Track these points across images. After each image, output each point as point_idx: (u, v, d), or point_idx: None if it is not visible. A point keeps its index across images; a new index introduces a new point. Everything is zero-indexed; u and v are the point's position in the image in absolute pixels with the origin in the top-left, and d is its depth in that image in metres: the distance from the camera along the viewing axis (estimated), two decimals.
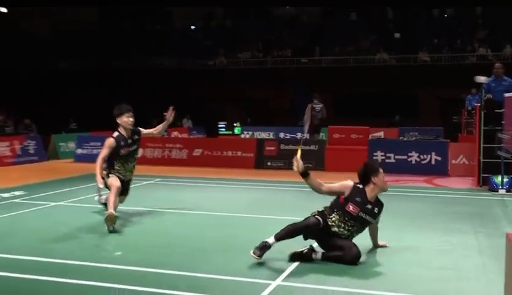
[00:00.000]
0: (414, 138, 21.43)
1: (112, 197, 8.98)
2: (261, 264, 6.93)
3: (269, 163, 18.64)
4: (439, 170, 16.87)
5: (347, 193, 7.21)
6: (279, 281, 6.36)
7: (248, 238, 8.14)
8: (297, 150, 7.45)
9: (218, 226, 9.46)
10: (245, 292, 6.07)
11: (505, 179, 13.36)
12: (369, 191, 7.26)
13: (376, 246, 7.78)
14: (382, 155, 17.55)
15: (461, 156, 16.81)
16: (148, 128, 10.35)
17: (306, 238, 7.19)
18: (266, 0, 41.14)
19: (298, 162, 7.20)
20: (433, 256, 7.53)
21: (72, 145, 22.02)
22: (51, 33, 42.51)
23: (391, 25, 39.12)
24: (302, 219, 7.12)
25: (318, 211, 7.22)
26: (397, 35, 37.95)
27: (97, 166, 9.02)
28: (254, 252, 6.97)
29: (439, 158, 17.15)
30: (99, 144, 17.86)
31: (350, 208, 7.14)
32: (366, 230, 7.52)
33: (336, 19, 41.17)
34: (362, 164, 7.60)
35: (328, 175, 14.88)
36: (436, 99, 32.85)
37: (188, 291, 5.99)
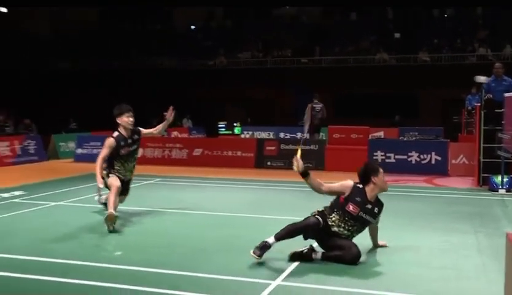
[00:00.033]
0: (414, 138, 21.45)
1: (112, 197, 8.99)
2: (261, 264, 6.94)
3: (269, 163, 18.65)
4: (439, 170, 16.88)
5: (347, 193, 7.22)
6: (279, 280, 6.36)
7: (248, 237, 8.14)
8: (297, 150, 7.45)
9: (219, 226, 9.46)
10: (245, 292, 6.08)
11: (505, 179, 13.37)
12: (369, 191, 7.26)
13: (376, 245, 7.78)
14: (382, 155, 17.56)
15: (462, 156, 16.82)
16: (148, 128, 10.36)
17: (305, 238, 7.19)
18: (266, 0, 41.15)
19: (298, 162, 7.20)
20: (433, 256, 7.54)
21: (72, 145, 22.04)
22: (52, 33, 42.55)
23: (392, 25, 39.16)
24: (302, 218, 7.13)
25: (318, 211, 7.23)
26: (397, 35, 37.99)
27: (97, 166, 9.02)
28: (254, 252, 6.97)
29: (439, 158, 17.16)
30: (99, 143, 17.88)
31: (350, 207, 7.15)
32: (366, 230, 7.52)
33: (336, 19, 41.22)
34: (362, 164, 7.61)
35: (328, 175, 14.91)
36: (436, 99, 32.84)
37: (188, 291, 5.99)
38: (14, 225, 9.50)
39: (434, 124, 27.55)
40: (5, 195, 12.39)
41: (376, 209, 7.35)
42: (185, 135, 29.48)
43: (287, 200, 12.45)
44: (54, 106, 35.16)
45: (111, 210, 8.75)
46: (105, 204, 9.48)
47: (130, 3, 40.71)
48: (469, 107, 20.58)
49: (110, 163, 9.44)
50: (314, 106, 23.26)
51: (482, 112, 14.34)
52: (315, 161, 17.71)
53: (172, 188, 14.08)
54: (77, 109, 34.21)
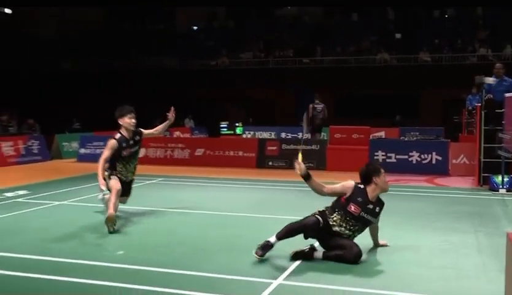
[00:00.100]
0: (414, 138, 21.51)
1: (112, 199, 8.99)
2: (262, 263, 6.96)
3: (270, 163, 18.69)
4: (440, 170, 16.92)
5: (348, 193, 7.24)
6: (280, 280, 6.38)
7: (250, 237, 8.20)
8: (298, 153, 7.45)
9: (220, 225, 9.48)
10: (247, 291, 6.08)
11: (505, 179, 13.39)
12: (371, 191, 7.29)
13: (376, 245, 7.80)
14: (383, 155, 17.61)
15: (462, 156, 16.85)
16: (150, 129, 10.39)
17: (306, 237, 7.21)
18: (268, 1, 41.17)
19: (300, 165, 7.22)
20: (433, 255, 7.55)
21: (75, 145, 22.13)
22: (53, 33, 42.52)
23: (392, 25, 39.17)
24: (302, 218, 7.20)
25: (319, 211, 7.26)
26: (398, 35, 38.02)
27: (99, 167, 9.00)
28: (256, 252, 7.03)
29: (439, 158, 17.20)
30: (101, 143, 17.97)
31: (352, 208, 7.17)
32: (367, 229, 7.53)
33: (338, 19, 41.25)
34: (363, 164, 7.64)
35: (330, 175, 14.96)
36: (436, 99, 32.85)
37: (190, 290, 6.01)
38: (17, 224, 9.53)
39: (435, 124, 27.57)
40: (9, 194, 12.46)
41: (377, 209, 7.38)
42: (187, 135, 29.51)
43: (288, 199, 12.46)
44: (57, 106, 35.17)
45: (111, 211, 8.77)
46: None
47: (131, 4, 40.73)
48: (470, 107, 20.61)
49: (112, 165, 9.44)
50: (315, 106, 23.32)
51: (483, 112, 14.36)
52: (317, 161, 17.77)
53: (174, 188, 14.11)
54: (80, 109, 34.25)
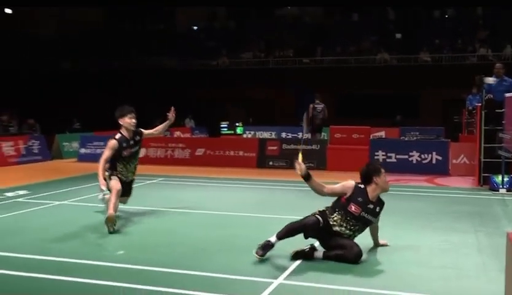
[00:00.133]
0: (415, 138, 21.53)
1: (112, 199, 9.00)
2: (263, 263, 6.98)
3: (271, 163, 18.71)
4: (440, 170, 16.94)
5: (348, 193, 7.24)
6: (280, 279, 6.39)
7: (250, 237, 8.21)
8: (298, 153, 7.45)
9: (221, 225, 9.49)
10: (247, 291, 6.08)
11: (505, 179, 13.42)
12: (371, 191, 7.29)
13: (376, 245, 7.82)
14: (383, 155, 17.63)
15: (462, 155, 16.87)
16: (150, 128, 10.40)
17: (306, 237, 7.22)
18: (268, 1, 41.19)
19: (300, 165, 7.22)
20: (433, 255, 7.56)
21: (75, 145, 22.16)
22: (56, 33, 42.55)
23: (393, 26, 39.18)
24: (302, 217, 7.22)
25: (319, 211, 7.27)
26: (398, 35, 38.02)
27: (100, 168, 9.00)
28: (257, 252, 7.05)
29: (440, 158, 17.22)
30: (102, 143, 18.01)
31: (352, 208, 7.18)
32: (367, 229, 7.54)
33: (338, 20, 41.26)
34: (364, 164, 7.65)
35: (330, 174, 14.99)
36: (436, 99, 32.87)
37: (190, 290, 6.02)
38: (18, 224, 9.55)
39: (435, 124, 27.56)
40: (10, 194, 12.48)
41: (377, 209, 7.39)
42: (188, 135, 29.52)
43: (288, 199, 12.47)
44: (57, 106, 35.18)
45: (111, 211, 8.78)
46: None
47: (131, 4, 40.76)
48: (470, 107, 20.63)
49: (113, 165, 9.43)
50: (315, 106, 23.35)
51: (483, 112, 14.39)
52: (317, 161, 17.79)
53: (174, 188, 14.13)
54: (80, 109, 34.25)
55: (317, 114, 23.29)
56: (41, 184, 14.40)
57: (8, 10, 40.03)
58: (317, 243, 7.38)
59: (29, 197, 12.15)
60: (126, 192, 9.72)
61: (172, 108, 10.28)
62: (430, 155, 17.27)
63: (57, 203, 11.55)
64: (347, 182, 7.36)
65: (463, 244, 8.14)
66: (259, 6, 41.87)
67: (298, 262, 7.05)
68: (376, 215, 7.43)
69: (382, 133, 26.12)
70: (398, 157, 17.55)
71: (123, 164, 9.55)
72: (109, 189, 9.20)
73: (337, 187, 7.38)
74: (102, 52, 39.55)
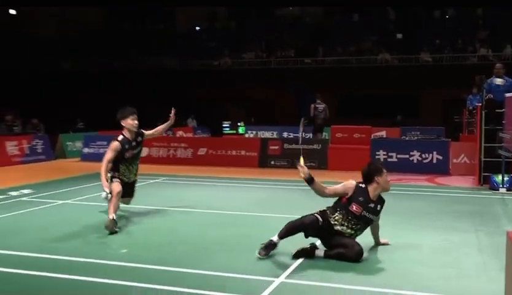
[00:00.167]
0: (415, 138, 21.54)
1: (112, 201, 8.94)
2: (264, 262, 7.02)
3: (272, 162, 18.77)
4: (441, 169, 16.99)
5: (350, 193, 7.27)
6: (282, 278, 6.41)
7: (252, 236, 8.29)
8: (300, 157, 7.44)
9: (223, 224, 9.53)
10: (249, 290, 6.09)
11: (506, 178, 13.47)
12: (372, 190, 7.32)
13: (377, 243, 7.85)
14: (384, 154, 17.70)
15: (463, 155, 16.91)
16: (151, 129, 10.43)
17: (307, 236, 7.26)
18: (268, 1, 41.23)
19: (303, 168, 7.22)
20: (434, 254, 7.59)
21: (79, 144, 22.23)
22: (55, 33, 42.59)
23: (393, 26, 39.21)
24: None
25: (319, 211, 7.31)
26: (399, 36, 38.06)
27: (102, 170, 9.01)
28: (259, 253, 7.14)
29: (440, 157, 17.28)
30: (105, 143, 18.01)
31: (354, 207, 7.21)
32: (368, 228, 7.57)
33: (338, 20, 41.29)
34: (365, 163, 7.68)
35: (331, 174, 15.05)
36: (437, 99, 32.91)
37: (191, 288, 6.03)
38: (22, 222, 9.59)
39: (436, 124, 27.59)
40: (14, 193, 12.54)
41: (378, 207, 7.42)
42: (190, 135, 29.53)
43: (290, 198, 12.50)
44: (58, 106, 35.21)
45: (111, 216, 8.75)
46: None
47: (131, 4, 40.82)
48: (470, 107, 20.69)
49: (115, 167, 9.41)
50: (317, 106, 23.48)
51: (483, 112, 14.45)
52: (318, 161, 17.87)
53: (177, 187, 14.16)
54: (80, 109, 34.28)
55: (318, 113, 23.40)
56: (45, 183, 14.44)
57: (12, 11, 40.16)
58: (318, 242, 7.42)
59: (33, 196, 12.20)
60: (128, 193, 9.76)
61: (173, 110, 10.36)
62: (430, 155, 17.34)
63: (60, 202, 11.60)
64: (348, 182, 7.38)
65: (464, 244, 8.16)
66: (259, 6, 41.89)
67: (300, 260, 7.07)
68: (377, 213, 7.45)
69: (383, 133, 26.18)
70: (398, 156, 17.61)
71: (125, 165, 9.57)
72: (110, 192, 9.18)
73: (338, 187, 7.41)
74: (102, 52, 39.58)
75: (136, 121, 9.58)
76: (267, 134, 29.26)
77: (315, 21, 41.49)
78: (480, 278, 6.60)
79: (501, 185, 13.48)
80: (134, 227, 9.22)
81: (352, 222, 7.25)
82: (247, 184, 14.92)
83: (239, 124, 34.32)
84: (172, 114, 10.37)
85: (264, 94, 36.04)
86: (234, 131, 34.01)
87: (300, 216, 7.31)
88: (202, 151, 19.71)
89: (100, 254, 7.44)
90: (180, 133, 28.03)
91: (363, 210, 7.25)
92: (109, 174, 9.29)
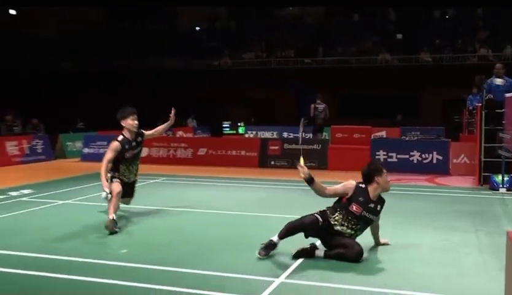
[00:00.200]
0: (415, 138, 21.60)
1: (112, 201, 8.95)
2: (264, 262, 7.04)
3: (272, 162, 18.79)
4: (441, 169, 17.01)
5: (350, 193, 7.28)
6: (282, 278, 6.42)
7: (252, 235, 8.30)
8: (300, 157, 7.45)
9: (223, 224, 9.55)
10: (249, 290, 6.10)
11: (505, 178, 13.48)
12: (372, 190, 7.33)
13: (377, 243, 7.86)
14: (384, 155, 17.71)
15: (463, 155, 16.93)
16: (151, 129, 10.44)
17: (306, 236, 7.27)
18: (269, 1, 41.27)
19: (303, 169, 7.23)
20: (434, 254, 7.60)
21: (79, 144, 22.27)
22: (55, 33, 42.62)
23: (394, 26, 39.26)
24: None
25: (319, 211, 7.32)
26: (399, 36, 38.11)
27: (102, 170, 9.00)
28: (260, 253, 7.15)
29: (440, 158, 17.30)
30: (105, 143, 18.05)
31: (354, 208, 7.22)
32: (368, 228, 7.58)
33: (339, 20, 41.32)
34: (365, 163, 7.69)
35: (331, 174, 15.06)
36: (437, 99, 32.95)
37: (191, 288, 6.05)
38: (21, 223, 9.61)
39: (435, 124, 27.64)
40: (14, 193, 12.56)
41: (378, 207, 7.43)
42: (190, 135, 29.59)
43: (290, 198, 12.51)
44: (58, 106, 35.23)
45: (111, 216, 8.76)
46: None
47: (132, 4, 40.86)
48: (470, 107, 20.71)
49: (115, 167, 9.41)
50: (317, 106, 23.49)
51: (483, 112, 14.46)
52: (318, 161, 17.89)
53: (177, 187, 14.18)
54: (80, 109, 34.31)
55: (318, 113, 23.41)
56: (45, 183, 14.46)
57: (12, 11, 40.20)
58: (318, 242, 7.42)
59: (33, 196, 12.22)
60: (128, 193, 9.77)
61: (173, 110, 10.37)
62: (430, 155, 17.35)
63: (60, 202, 11.61)
64: (348, 183, 7.39)
65: (464, 243, 8.17)
66: (260, 6, 41.91)
67: (300, 260, 7.08)
68: (377, 213, 7.46)
69: (383, 133, 26.22)
70: (398, 156, 17.63)
71: (125, 166, 9.57)
72: (110, 192, 9.18)
73: (338, 187, 7.42)
74: (102, 52, 39.61)
75: (136, 122, 9.58)
76: (267, 135, 29.30)
77: (315, 21, 41.52)
78: (480, 277, 6.62)
79: (501, 185, 13.50)
80: (133, 227, 9.23)
81: (352, 222, 7.25)
82: (247, 184, 14.93)
83: (239, 124, 34.36)
84: (172, 114, 10.39)
85: (264, 94, 36.08)
86: (234, 131, 34.06)
87: (300, 216, 7.31)
88: (202, 151, 19.74)
89: (100, 254, 7.45)
90: (180, 133, 28.07)
91: (363, 210, 7.25)
92: (109, 174, 9.29)
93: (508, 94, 12.89)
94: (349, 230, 7.26)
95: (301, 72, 35.78)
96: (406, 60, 34.85)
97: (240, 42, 40.24)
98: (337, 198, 7.46)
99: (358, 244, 7.14)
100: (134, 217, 9.93)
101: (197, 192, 13.46)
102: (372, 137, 21.57)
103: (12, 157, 19.72)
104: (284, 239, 7.20)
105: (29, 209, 10.75)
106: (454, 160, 17.11)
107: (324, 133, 24.00)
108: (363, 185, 7.37)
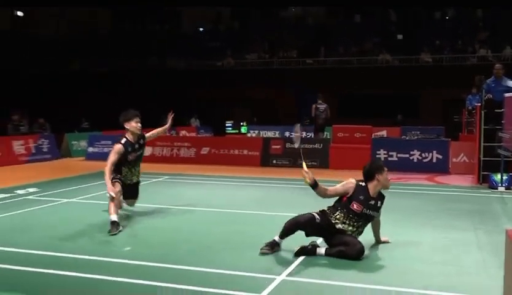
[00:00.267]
0: (416, 137, 21.70)
1: (111, 203, 8.92)
2: (266, 260, 7.10)
3: (274, 161, 18.87)
4: (441, 168, 17.10)
5: (350, 192, 7.35)
6: (283, 276, 6.46)
7: (254, 234, 8.38)
8: (302, 162, 7.48)
9: (225, 222, 9.61)
10: (251, 287, 6.09)
11: (504, 177, 13.56)
12: (372, 187, 7.40)
13: (378, 241, 7.91)
14: (384, 154, 17.81)
15: (462, 154, 17.00)
16: (151, 130, 10.50)
17: (307, 235, 7.37)
18: (271, 1, 41.33)
19: (308, 174, 7.28)
20: (434, 252, 7.64)
21: (84, 143, 22.37)
22: (61, 34, 42.72)
23: (394, 27, 39.32)
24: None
25: (320, 210, 7.40)
26: (400, 36, 38.16)
27: (107, 173, 8.99)
28: (263, 250, 7.29)
29: (440, 157, 17.39)
30: (109, 143, 18.24)
31: (354, 206, 7.29)
32: (369, 225, 7.65)
33: (340, 21, 41.38)
34: (366, 162, 7.78)
35: (332, 173, 15.18)
36: (437, 99, 33.01)
37: (194, 286, 6.09)
38: (27, 221, 9.68)
39: (435, 123, 27.72)
40: (20, 192, 12.67)
41: (378, 203, 7.50)
42: (193, 134, 29.66)
43: (292, 197, 12.56)
44: (68, 105, 35.29)
45: (112, 218, 8.76)
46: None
47: (137, 5, 40.95)
48: (470, 107, 20.78)
49: (118, 169, 9.44)
50: (318, 106, 23.59)
51: (483, 112, 14.53)
52: (320, 160, 17.98)
53: (180, 186, 14.24)
54: (84, 109, 34.36)
55: (319, 113, 23.53)
56: (50, 182, 14.56)
57: (20, 13, 40.41)
58: (319, 240, 7.51)
59: (38, 195, 12.32)
60: (132, 194, 9.87)
61: (170, 115, 10.47)
62: (430, 154, 17.44)
63: (66, 200, 11.69)
64: (349, 182, 7.47)
65: (463, 242, 8.22)
66: (261, 6, 41.97)
67: (301, 258, 7.12)
68: (378, 210, 7.53)
69: (383, 133, 26.31)
70: (399, 155, 17.73)
71: (128, 168, 9.64)
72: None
73: (339, 187, 7.48)
74: (102, 52, 39.66)
75: (139, 124, 9.64)
76: (269, 134, 29.38)
77: (317, 22, 41.57)
78: (480, 275, 6.67)
79: (500, 184, 13.58)
80: (137, 225, 9.30)
81: (354, 220, 7.33)
82: (249, 182, 14.96)
83: (241, 124, 34.44)
84: (169, 118, 10.49)
85: (264, 95, 36.12)
86: (237, 131, 34.13)
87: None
88: (205, 150, 19.83)
89: (105, 252, 7.53)
90: (183, 133, 28.20)
91: (363, 208, 7.33)
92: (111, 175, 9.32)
93: (507, 94, 12.99)
94: (350, 227, 7.32)
95: (302, 73, 35.84)
96: (407, 60, 34.91)
97: (243, 43, 40.29)
98: (337, 197, 7.54)
99: (359, 242, 7.21)
100: (138, 216, 9.99)
101: (200, 190, 13.51)
102: (373, 136, 21.65)
103: (19, 156, 19.84)
104: (286, 238, 7.31)
105: (35, 208, 10.83)
106: (454, 159, 17.19)
107: (325, 133, 24.10)
108: (363, 184, 7.44)
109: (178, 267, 6.84)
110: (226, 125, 35.30)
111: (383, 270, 6.82)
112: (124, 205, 10.08)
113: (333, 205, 7.50)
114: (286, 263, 6.97)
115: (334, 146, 18.92)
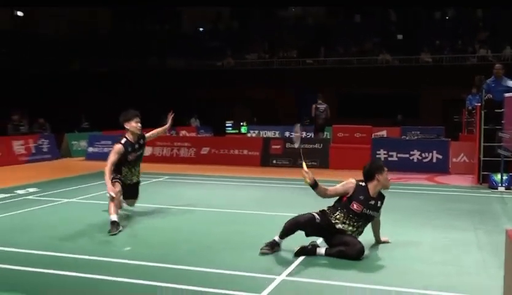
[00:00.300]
0: (415, 137, 21.70)
1: (111, 203, 8.92)
2: (266, 260, 7.10)
3: (274, 161, 18.87)
4: (441, 168, 17.11)
5: (350, 192, 7.35)
6: (283, 276, 6.47)
7: (254, 234, 8.39)
8: (302, 163, 7.49)
9: (225, 222, 9.61)
10: (251, 287, 6.10)
11: (504, 177, 13.56)
12: (372, 187, 7.40)
13: (378, 241, 7.91)
14: (384, 154, 17.81)
15: (462, 154, 17.01)
16: (151, 130, 10.50)
17: (307, 235, 7.37)
18: (271, 1, 41.35)
19: (308, 174, 7.29)
20: (434, 252, 7.64)
21: (84, 143, 22.39)
22: (61, 34, 42.73)
23: (394, 27, 39.31)
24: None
25: (320, 211, 7.41)
26: (400, 36, 38.16)
27: (107, 173, 8.98)
28: (263, 249, 7.30)
29: (440, 157, 17.40)
30: (109, 142, 18.25)
31: (354, 206, 7.29)
32: (369, 225, 7.65)
33: (340, 21, 41.39)
34: (366, 162, 7.78)
35: (332, 173, 15.18)
36: (437, 99, 33.01)
37: (194, 286, 6.10)
38: (27, 221, 9.68)
39: (435, 123, 27.73)
40: (20, 192, 12.68)
41: (378, 203, 7.50)
42: (193, 134, 29.66)
43: (292, 197, 12.56)
44: (67, 105, 35.26)
45: (112, 218, 8.77)
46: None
47: (137, 5, 40.97)
48: (470, 107, 20.79)
49: (118, 169, 9.44)
50: (318, 106, 23.60)
51: (483, 112, 14.54)
52: (320, 160, 17.99)
53: (180, 186, 14.25)
54: (84, 109, 34.34)
55: (319, 113, 23.54)
56: (50, 182, 14.57)
57: (20, 13, 40.42)
58: (319, 240, 7.51)
59: (38, 195, 12.33)
60: (132, 194, 9.87)
61: (170, 115, 10.47)
62: (430, 154, 17.45)
63: (66, 200, 11.70)
64: (349, 182, 7.47)
65: (463, 242, 8.23)
66: (262, 6, 41.98)
67: (301, 258, 7.13)
68: (378, 209, 7.53)
69: (383, 132, 26.31)
70: (399, 155, 17.74)
71: (128, 168, 9.64)
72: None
73: (339, 187, 7.49)
74: (102, 52, 39.67)
75: (140, 124, 9.64)
76: (269, 134, 29.40)
77: (317, 22, 41.57)
78: (480, 275, 6.67)
79: (500, 184, 13.59)
80: (137, 225, 9.31)
81: (353, 220, 7.33)
82: (249, 182, 14.97)
83: (241, 124, 34.45)
84: (169, 118, 10.49)
85: (264, 95, 36.13)
86: (237, 131, 34.13)
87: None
88: (205, 150, 19.84)
89: (105, 252, 7.54)
90: (183, 133, 28.20)
91: (363, 208, 7.33)
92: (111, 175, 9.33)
93: (507, 94, 12.99)
94: (350, 227, 7.33)
95: (302, 72, 35.85)
96: (407, 60, 34.91)
97: (243, 43, 40.30)
98: (337, 197, 7.54)
99: (359, 242, 7.21)
100: (137, 216, 10.00)
101: (200, 190, 13.52)
102: (373, 136, 21.66)
103: (19, 156, 19.86)
104: (286, 238, 7.32)
105: (35, 208, 10.84)
106: (454, 159, 17.20)
107: (325, 133, 24.10)
108: (363, 184, 7.45)
109: (178, 267, 6.84)
110: (226, 125, 35.32)
111: (383, 270, 6.82)
112: (124, 205, 10.09)
113: (333, 205, 7.50)
114: (286, 263, 6.97)
115: (334, 146, 18.93)
